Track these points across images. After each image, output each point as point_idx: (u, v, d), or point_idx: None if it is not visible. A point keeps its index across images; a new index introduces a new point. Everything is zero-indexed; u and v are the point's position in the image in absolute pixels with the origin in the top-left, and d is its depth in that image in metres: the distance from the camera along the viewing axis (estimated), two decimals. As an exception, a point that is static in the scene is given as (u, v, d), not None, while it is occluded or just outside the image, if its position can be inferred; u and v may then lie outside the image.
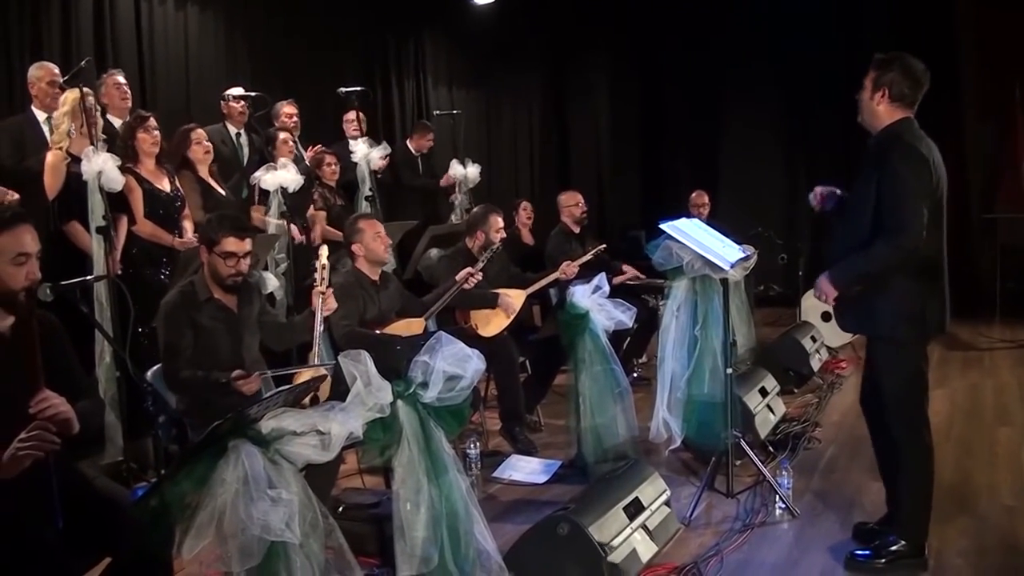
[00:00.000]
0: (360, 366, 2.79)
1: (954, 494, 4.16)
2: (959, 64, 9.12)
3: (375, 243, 4.51)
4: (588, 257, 5.84)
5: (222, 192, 5.31)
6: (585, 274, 5.55)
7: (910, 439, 3.39)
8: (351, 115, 7.03)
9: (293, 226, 5.53)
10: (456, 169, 7.60)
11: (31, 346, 2.36)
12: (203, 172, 5.25)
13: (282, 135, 6.04)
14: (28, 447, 2.31)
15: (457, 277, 4.81)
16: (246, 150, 6.22)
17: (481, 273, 4.87)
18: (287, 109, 6.55)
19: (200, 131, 5.30)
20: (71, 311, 2.80)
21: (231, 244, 3.61)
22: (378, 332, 4.37)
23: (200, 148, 5.23)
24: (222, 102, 6.16)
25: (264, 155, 6.03)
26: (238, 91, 6.10)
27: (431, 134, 7.77)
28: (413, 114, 9.20)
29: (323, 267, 3.85)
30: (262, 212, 5.61)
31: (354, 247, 4.51)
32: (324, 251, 3.94)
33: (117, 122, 5.24)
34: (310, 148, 6.52)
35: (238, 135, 6.21)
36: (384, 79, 8.93)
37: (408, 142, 7.80)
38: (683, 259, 4.49)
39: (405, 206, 7.50)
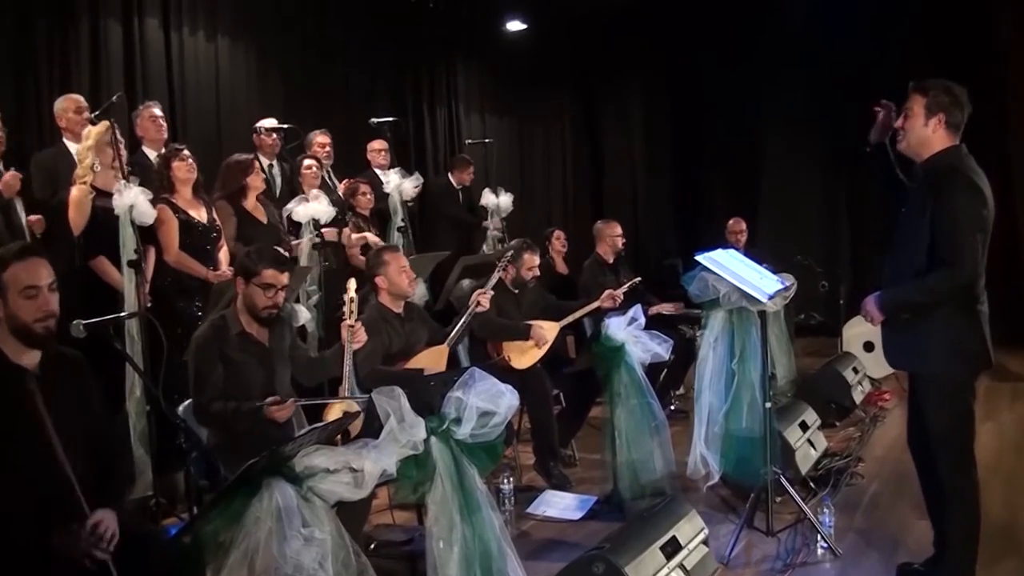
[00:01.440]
0: (394, 402, 2.82)
1: (1002, 533, 4.08)
2: (1003, 83, 9.04)
3: (399, 277, 4.54)
4: (625, 289, 5.85)
5: (264, 221, 5.37)
6: (620, 305, 5.57)
7: (956, 477, 3.35)
8: (378, 144, 7.13)
9: (327, 231, 5.60)
10: (488, 198, 7.66)
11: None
12: (250, 202, 5.32)
13: (306, 162, 6.13)
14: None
15: (469, 302, 4.83)
16: (279, 181, 6.32)
17: (491, 292, 4.87)
18: (320, 139, 6.64)
19: (256, 161, 5.42)
20: (100, 343, 2.84)
21: (270, 276, 3.65)
22: (405, 367, 4.39)
23: (258, 178, 5.34)
24: (254, 134, 6.26)
25: (294, 186, 6.11)
26: (270, 123, 6.21)
27: (471, 167, 7.89)
28: (446, 143, 9.29)
29: (351, 300, 3.89)
30: (293, 243, 5.69)
31: (378, 279, 4.54)
32: (352, 284, 3.98)
33: (153, 154, 5.35)
34: (343, 181, 6.59)
35: (270, 167, 6.32)
36: (416, 108, 9.04)
37: (450, 175, 7.93)
38: (720, 291, 4.48)
39: (437, 236, 7.58)
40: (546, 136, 10.86)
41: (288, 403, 3.43)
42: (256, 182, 5.29)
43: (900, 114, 3.45)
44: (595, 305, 5.64)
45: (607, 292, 5.67)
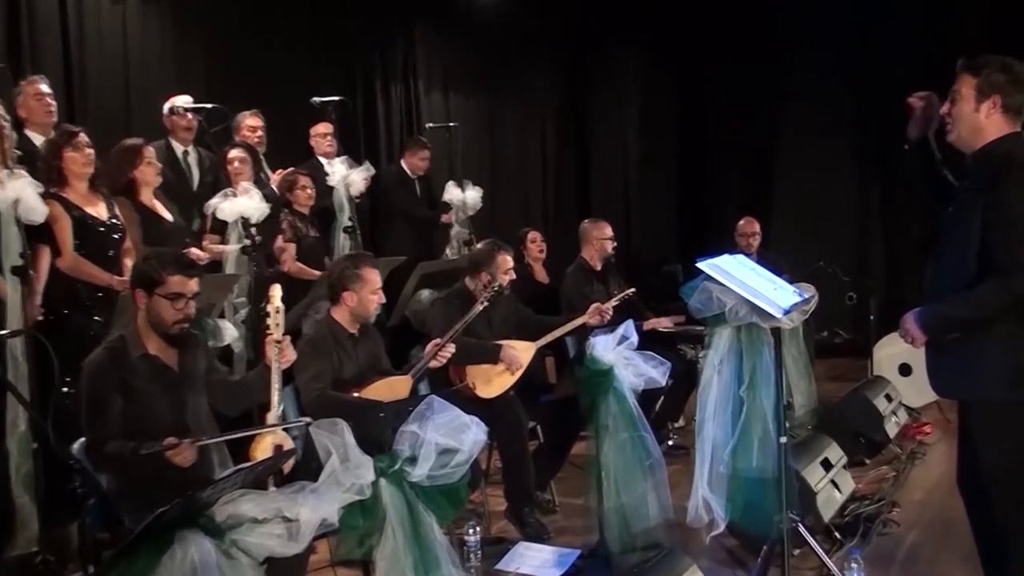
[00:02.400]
0: (336, 438, 2.81)
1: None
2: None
3: (370, 299, 4.56)
4: (615, 302, 5.86)
5: (169, 218, 5.36)
6: (609, 321, 5.57)
7: (1019, 521, 3.35)
8: (322, 128, 7.12)
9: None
10: (452, 192, 7.67)
11: None
12: (146, 196, 5.30)
13: (233, 153, 6.09)
14: None
15: (424, 352, 4.81)
16: (195, 172, 6.28)
17: (452, 347, 4.82)
18: (249, 122, 6.62)
19: (151, 148, 5.38)
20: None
21: (176, 283, 3.65)
22: (356, 395, 4.37)
23: (151, 169, 5.30)
24: (164, 115, 6.22)
25: (218, 179, 6.06)
26: (185, 100, 6.17)
27: (426, 151, 7.87)
28: (402, 127, 9.29)
29: (276, 310, 3.88)
30: (216, 243, 5.67)
31: (345, 295, 4.54)
32: (276, 291, 3.96)
33: (39, 139, 5.30)
34: (277, 171, 6.58)
35: (185, 154, 6.27)
36: (367, 85, 9.03)
37: (403, 162, 7.90)
38: (725, 304, 4.47)
39: (391, 238, 7.57)
40: (522, 120, 10.87)
41: (184, 444, 3.38)
42: (147, 175, 5.27)
43: (947, 99, 3.45)
44: (579, 321, 5.65)
45: (594, 305, 5.68)
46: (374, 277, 4.58)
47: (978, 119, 3.36)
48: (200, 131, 6.16)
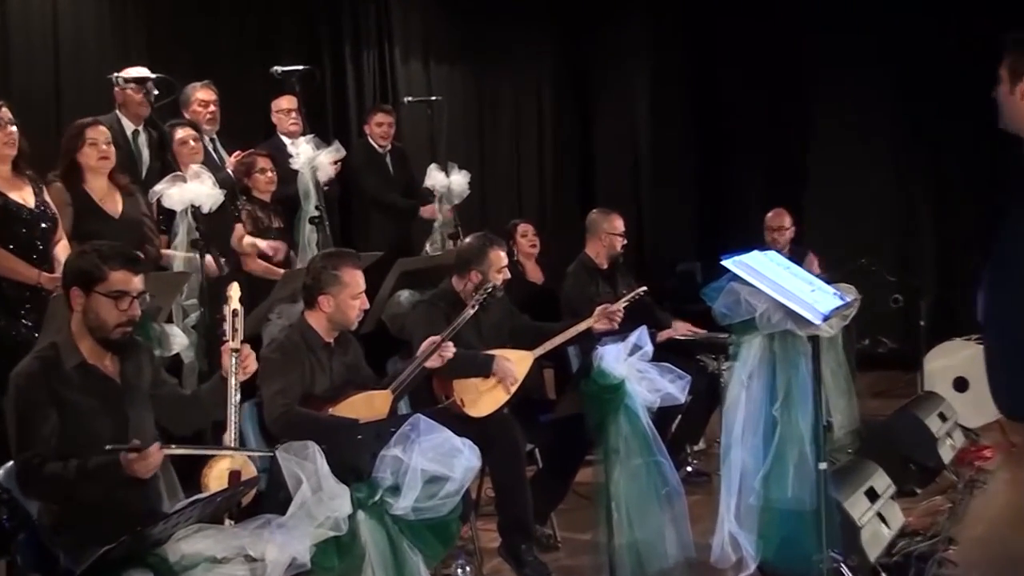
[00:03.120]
0: (307, 464, 2.80)
1: None
2: None
3: (350, 304, 4.56)
4: (625, 302, 5.85)
5: (117, 212, 5.33)
6: (619, 327, 5.57)
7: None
8: (286, 102, 7.08)
9: (209, 258, 5.56)
10: (436, 177, 7.64)
11: None
12: (93, 184, 5.29)
13: (181, 132, 6.06)
14: None
15: (420, 350, 4.82)
16: (145, 153, 6.23)
17: (451, 347, 4.85)
18: (200, 95, 6.58)
19: (98, 128, 5.34)
20: None
21: (119, 280, 3.62)
22: (330, 414, 4.37)
23: (93, 151, 5.26)
24: (116, 88, 6.16)
25: (164, 161, 6.03)
26: (137, 71, 6.14)
27: (386, 115, 7.85)
28: (376, 101, 9.25)
29: (234, 313, 3.86)
30: (164, 241, 5.64)
31: (322, 299, 4.53)
32: (235, 290, 3.94)
33: (-50, 115, 5.30)
34: (234, 153, 6.56)
35: (135, 133, 6.22)
36: (335, 52, 9.00)
37: (367, 132, 7.89)
38: (755, 308, 4.49)
39: (366, 231, 7.55)
40: (516, 95, 10.84)
41: (152, 448, 3.38)
42: (89, 158, 5.25)
43: None
44: (584, 326, 5.64)
45: (600, 308, 5.67)
46: (356, 279, 4.57)
47: (1015, 103, 3.37)
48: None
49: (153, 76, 5.90)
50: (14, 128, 4.92)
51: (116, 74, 5.99)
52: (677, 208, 11.37)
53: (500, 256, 5.47)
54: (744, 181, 10.95)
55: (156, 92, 5.99)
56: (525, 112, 10.97)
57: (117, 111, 6.12)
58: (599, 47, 11.40)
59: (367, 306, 4.70)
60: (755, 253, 4.64)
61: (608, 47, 11.36)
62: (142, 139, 6.22)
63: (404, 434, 3.02)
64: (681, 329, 6.61)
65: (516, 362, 5.27)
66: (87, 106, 6.09)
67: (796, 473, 4.48)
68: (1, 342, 4.67)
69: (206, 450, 3.70)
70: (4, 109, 4.92)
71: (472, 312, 5.10)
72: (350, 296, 4.54)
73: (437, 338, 4.80)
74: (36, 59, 6.76)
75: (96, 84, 6.43)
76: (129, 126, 6.15)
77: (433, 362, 4.77)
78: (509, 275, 5.56)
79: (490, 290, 5.20)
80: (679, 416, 6.07)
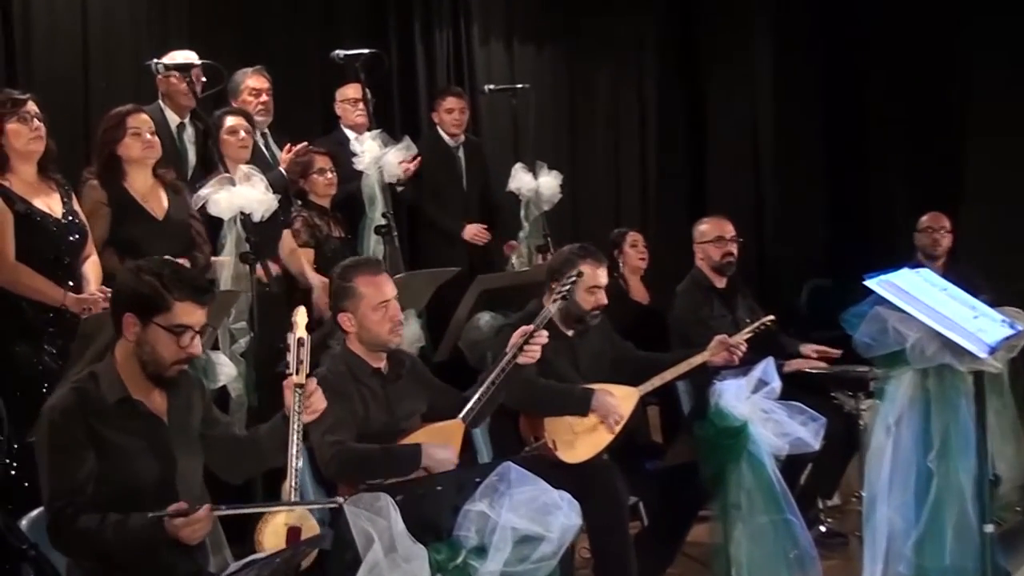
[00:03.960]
0: (379, 519, 2.80)
1: None
2: None
3: (375, 316, 4.55)
4: (749, 333, 5.79)
5: (157, 214, 5.39)
6: (740, 359, 5.53)
7: None
8: (352, 91, 7.13)
9: (260, 272, 5.62)
10: (521, 180, 7.65)
11: None
12: (137, 181, 5.37)
13: (231, 120, 6.10)
14: None
15: (509, 343, 4.81)
16: (190, 150, 6.33)
17: (544, 334, 4.83)
18: (251, 82, 6.65)
19: (143, 116, 5.43)
20: None
21: (185, 312, 3.63)
22: (391, 445, 4.42)
23: (138, 142, 5.34)
24: (157, 75, 6.24)
25: (208, 159, 6.11)
26: (181, 56, 6.22)
27: (456, 99, 7.86)
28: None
29: (299, 342, 3.87)
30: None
31: (342, 318, 4.57)
32: (301, 316, 3.97)
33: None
34: (288, 148, 6.61)
35: (180, 127, 6.32)
36: (403, 33, 9.06)
37: (435, 121, 7.91)
38: (905, 338, 4.43)
39: (440, 241, 7.57)
40: (615, 81, 10.79)
41: (202, 513, 3.38)
42: (132, 150, 5.33)
43: None
44: (699, 360, 5.60)
45: (718, 338, 5.63)
46: (375, 288, 4.57)
47: None
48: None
49: (199, 62, 5.94)
50: (41, 124, 4.98)
51: (156, 60, 6.02)
52: (806, 214, 11.21)
53: (595, 271, 5.43)
54: (888, 183, 10.79)
55: (204, 79, 6.06)
56: (625, 101, 10.92)
57: (160, 101, 6.22)
58: (712, 23, 11.31)
59: (400, 317, 4.67)
60: (905, 271, 4.59)
61: (723, 24, 11.28)
62: (188, 134, 6.34)
63: (491, 485, 3.01)
64: (812, 359, 6.51)
65: (620, 399, 5.26)
66: (120, 99, 6.14)
67: (955, 536, 4.42)
68: (22, 372, 4.75)
69: (263, 507, 3.70)
70: (30, 103, 4.98)
71: (555, 308, 5.09)
72: (370, 308, 4.53)
73: (527, 327, 4.79)
74: (61, 44, 6.89)
75: (131, 72, 6.56)
76: (174, 119, 6.26)
77: (524, 359, 4.74)
78: (604, 299, 5.51)
79: (574, 279, 5.18)
80: (810, 465, 5.98)
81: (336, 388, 4.35)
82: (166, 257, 4.08)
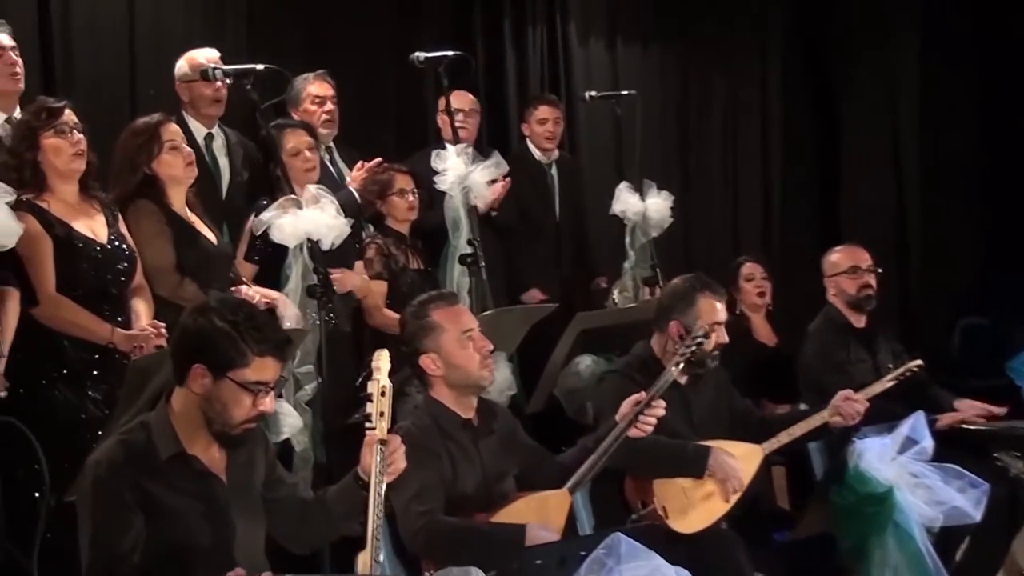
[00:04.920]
0: (471, 600, 2.80)
1: None
2: None
3: (461, 350, 4.56)
4: (889, 383, 5.72)
5: (212, 239, 5.46)
6: (883, 411, 5.48)
7: None
8: (462, 99, 7.21)
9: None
10: (627, 202, 7.61)
11: None
12: (176, 200, 5.41)
13: (293, 139, 6.13)
14: None
15: (619, 413, 4.80)
16: (224, 166, 6.40)
17: (662, 404, 4.82)
18: (314, 89, 6.72)
19: (174, 126, 5.48)
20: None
21: (265, 368, 3.66)
22: (490, 522, 4.40)
23: (176, 158, 5.38)
24: (178, 79, 6.35)
25: (258, 177, 6.21)
26: (209, 56, 6.28)
27: (557, 111, 7.92)
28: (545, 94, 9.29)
29: (382, 391, 3.87)
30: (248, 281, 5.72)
31: (425, 360, 4.57)
32: (383, 360, 3.96)
33: (-1, 118, 5.52)
34: (361, 163, 6.66)
35: (208, 139, 6.38)
36: (491, 32, 9.12)
37: (526, 134, 7.95)
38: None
39: (533, 271, 7.61)
40: (733, 89, 10.75)
41: None
42: (173, 167, 5.37)
43: None
44: (819, 421, 5.47)
45: (842, 395, 5.45)
46: (455, 318, 4.60)
47: None
48: (243, 104, 6.27)
49: (259, 67, 5.93)
50: (82, 136, 5.04)
51: (212, 65, 6.06)
52: (958, 242, 11.06)
53: (714, 306, 5.43)
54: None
55: (248, 86, 6.07)
56: (744, 110, 10.88)
57: (183, 111, 6.29)
58: (847, 19, 11.20)
59: (488, 347, 4.68)
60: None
61: (860, 20, 11.17)
62: (217, 144, 6.38)
63: (599, 560, 3.02)
64: (970, 413, 6.42)
65: (741, 458, 5.23)
66: (173, 108, 6.26)
67: None
68: (61, 421, 4.78)
69: None
70: (68, 112, 5.04)
71: (677, 371, 5.05)
72: (454, 342, 4.55)
73: (641, 395, 4.78)
74: (105, 45, 6.99)
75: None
76: (200, 129, 6.32)
77: (635, 432, 4.74)
78: (724, 338, 5.48)
79: (700, 339, 5.16)
80: (968, 538, 5.85)
81: (422, 445, 4.37)
82: (239, 293, 4.08)
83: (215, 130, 6.39)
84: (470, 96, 7.12)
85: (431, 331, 4.55)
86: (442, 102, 7.15)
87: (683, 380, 5.37)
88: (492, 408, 4.78)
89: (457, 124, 6.98)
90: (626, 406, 4.77)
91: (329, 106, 6.77)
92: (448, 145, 6.82)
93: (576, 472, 4.73)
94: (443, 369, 4.56)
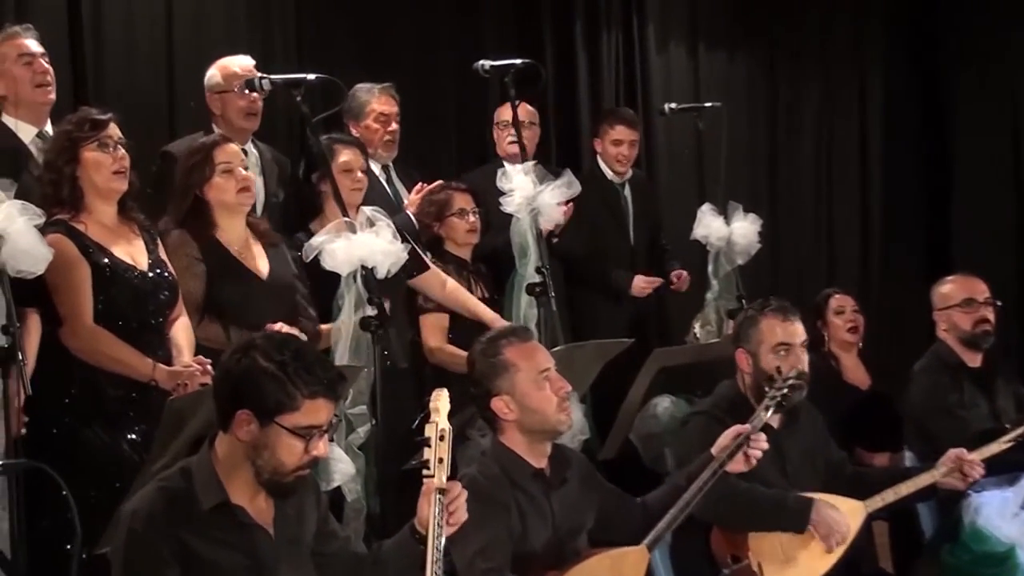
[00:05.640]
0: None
1: None
2: None
3: (538, 391, 4.56)
4: (1009, 443, 5.65)
5: (265, 271, 5.51)
6: (1003, 460, 5.45)
7: None
8: (508, 112, 7.19)
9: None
10: (710, 226, 7.59)
11: None
12: (230, 230, 5.47)
13: (345, 156, 6.16)
14: None
15: (718, 445, 4.82)
16: (258, 185, 6.38)
17: (763, 438, 4.84)
18: (379, 106, 6.80)
19: (232, 147, 5.54)
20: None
21: (316, 412, 3.68)
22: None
23: (231, 181, 5.43)
24: (209, 92, 6.42)
25: (292, 196, 6.31)
26: (243, 64, 6.37)
27: (635, 133, 7.93)
28: (619, 106, 9.28)
29: (441, 435, 3.88)
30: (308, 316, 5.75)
31: (497, 402, 4.56)
32: (443, 401, 3.97)
33: (28, 130, 5.62)
34: (420, 185, 6.73)
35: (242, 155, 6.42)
36: (561, 39, 9.15)
37: (598, 151, 7.97)
38: None
39: (604, 302, 7.65)
40: (829, 100, 10.76)
41: None
42: (225, 193, 5.41)
43: None
44: (926, 481, 5.41)
45: (952, 453, 5.39)
46: (529, 356, 4.60)
47: None
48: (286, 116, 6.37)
49: (311, 77, 5.94)
50: (126, 154, 5.10)
51: (260, 75, 6.06)
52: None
53: (775, 326, 5.38)
54: None
55: (299, 97, 6.08)
56: (841, 124, 10.90)
57: (213, 124, 6.37)
58: (959, 23, 11.16)
59: (567, 388, 4.67)
60: None
61: (975, 23, 11.10)
62: (250, 162, 6.32)
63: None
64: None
65: (847, 513, 5.18)
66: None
67: None
68: (95, 465, 4.83)
69: None
70: (112, 126, 5.10)
71: (768, 415, 5.02)
72: (530, 383, 4.54)
73: (744, 427, 4.80)
74: (141, 54, 7.09)
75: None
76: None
77: (736, 465, 4.76)
78: (800, 362, 5.39)
79: (792, 381, 5.12)
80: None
81: (489, 495, 4.39)
82: (284, 330, 4.08)
83: (248, 146, 6.44)
84: (529, 107, 7.13)
85: (504, 370, 4.55)
86: (499, 113, 7.27)
87: (776, 424, 5.36)
88: (565, 454, 4.76)
89: (513, 139, 7.07)
90: (725, 438, 4.80)
91: (393, 126, 6.84)
92: (508, 163, 6.91)
93: (659, 523, 4.70)
94: (517, 413, 4.54)
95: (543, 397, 4.54)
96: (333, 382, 3.75)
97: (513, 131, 7.06)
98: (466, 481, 4.14)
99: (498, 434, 4.64)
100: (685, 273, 7.92)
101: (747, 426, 4.80)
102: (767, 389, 5.14)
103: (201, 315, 5.35)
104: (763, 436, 4.80)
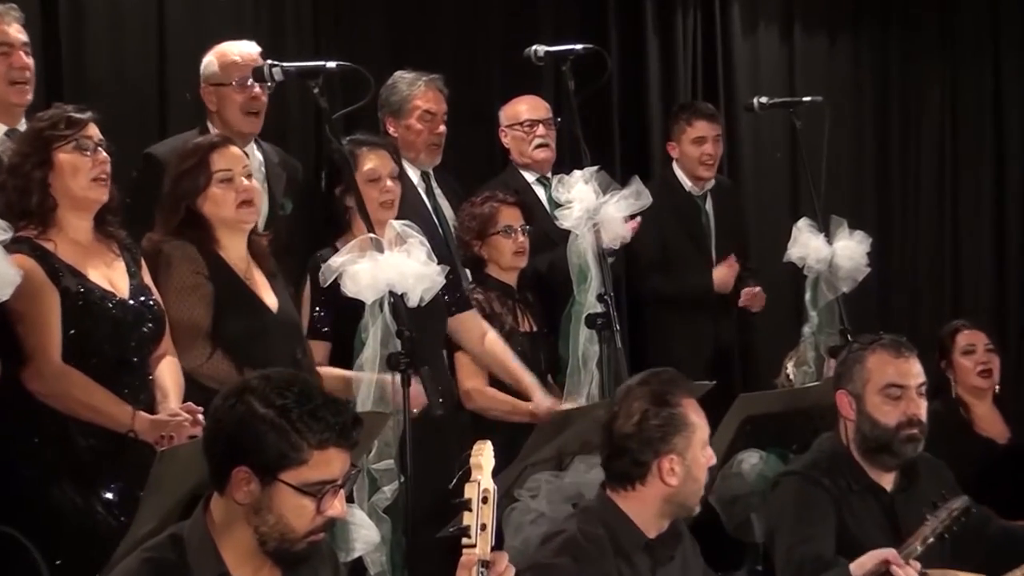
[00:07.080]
0: None
1: None
2: None
3: (701, 465, 4.67)
4: None
5: (274, 304, 5.52)
6: None
7: None
8: (524, 107, 7.37)
9: (416, 385, 5.53)
10: (807, 244, 7.59)
11: None
12: (232, 248, 5.48)
13: (371, 162, 6.15)
14: None
15: (857, 563, 4.83)
16: (264, 188, 6.43)
17: (918, 566, 4.83)
18: (424, 103, 6.87)
19: (233, 150, 5.55)
20: None
21: (329, 462, 3.69)
22: None
23: (230, 192, 5.41)
24: (205, 84, 6.50)
25: (303, 208, 6.40)
26: (244, 51, 6.45)
27: (717, 128, 8.03)
28: (697, 100, 9.32)
29: (483, 495, 3.90)
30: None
31: (663, 465, 4.59)
32: (486, 456, 3.99)
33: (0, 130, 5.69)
34: (470, 204, 6.76)
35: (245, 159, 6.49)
36: (628, 21, 9.23)
37: (672, 155, 8.05)
38: None
39: (680, 337, 7.73)
40: (952, 95, 10.76)
41: None
42: (224, 206, 5.39)
43: None
44: None
45: None
46: (702, 417, 4.70)
47: None
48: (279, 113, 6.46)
49: (330, 65, 5.93)
50: (108, 159, 5.11)
51: (269, 62, 5.98)
52: None
53: (887, 364, 5.37)
54: None
55: (316, 89, 6.10)
56: (966, 123, 10.90)
57: (208, 122, 6.44)
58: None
59: (715, 460, 4.78)
60: None
61: None
62: (254, 165, 6.31)
63: None
64: None
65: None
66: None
67: None
68: (66, 529, 4.84)
69: None
70: (92, 126, 5.11)
71: (925, 547, 4.93)
72: (702, 447, 4.64)
73: (889, 552, 4.78)
74: (128, 39, 7.20)
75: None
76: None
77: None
78: (916, 409, 5.39)
79: (959, 511, 5.02)
80: None
81: (590, 563, 4.44)
82: (292, 373, 4.04)
83: (251, 148, 6.44)
84: (544, 103, 7.18)
85: (684, 428, 4.62)
86: (511, 111, 7.35)
87: (888, 485, 5.41)
88: (679, 528, 4.80)
89: (542, 141, 7.18)
90: (871, 559, 4.79)
91: (441, 127, 6.92)
92: (527, 172, 7.07)
93: None
94: (679, 480, 4.60)
95: (703, 472, 4.68)
96: (346, 426, 3.69)
97: (539, 130, 7.18)
98: (558, 543, 4.19)
99: (612, 494, 4.68)
100: (759, 289, 7.96)
101: (892, 551, 4.79)
102: (928, 518, 5.04)
103: (213, 348, 5.33)
104: (917, 566, 4.78)
